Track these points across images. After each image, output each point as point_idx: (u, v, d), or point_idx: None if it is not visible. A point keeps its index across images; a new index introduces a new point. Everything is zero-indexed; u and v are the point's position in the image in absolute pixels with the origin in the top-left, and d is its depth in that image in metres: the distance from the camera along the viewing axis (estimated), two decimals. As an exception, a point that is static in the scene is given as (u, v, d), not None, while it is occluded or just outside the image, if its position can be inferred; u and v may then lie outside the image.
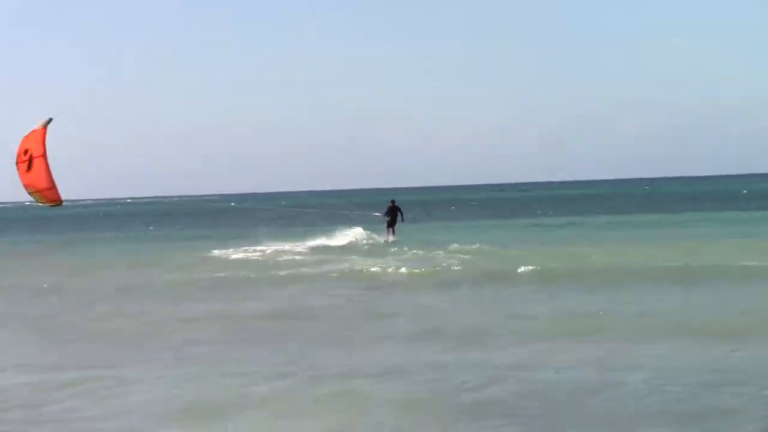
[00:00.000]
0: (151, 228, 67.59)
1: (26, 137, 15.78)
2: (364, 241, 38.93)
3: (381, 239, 38.83)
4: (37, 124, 15.84)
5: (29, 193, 15.98)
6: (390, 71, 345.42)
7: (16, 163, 15.77)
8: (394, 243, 37.42)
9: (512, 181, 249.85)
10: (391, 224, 39.15)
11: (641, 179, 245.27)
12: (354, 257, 32.47)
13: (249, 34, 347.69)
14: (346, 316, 19.88)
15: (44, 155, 15.60)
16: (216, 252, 36.75)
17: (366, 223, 42.07)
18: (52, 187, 15.76)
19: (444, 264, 28.74)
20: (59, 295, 25.19)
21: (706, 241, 34.17)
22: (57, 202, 16.10)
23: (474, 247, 33.15)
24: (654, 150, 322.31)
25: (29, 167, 15.57)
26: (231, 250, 37.04)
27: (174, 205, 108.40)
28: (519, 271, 25.86)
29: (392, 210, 39.14)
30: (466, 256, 30.61)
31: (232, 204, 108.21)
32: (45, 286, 27.19)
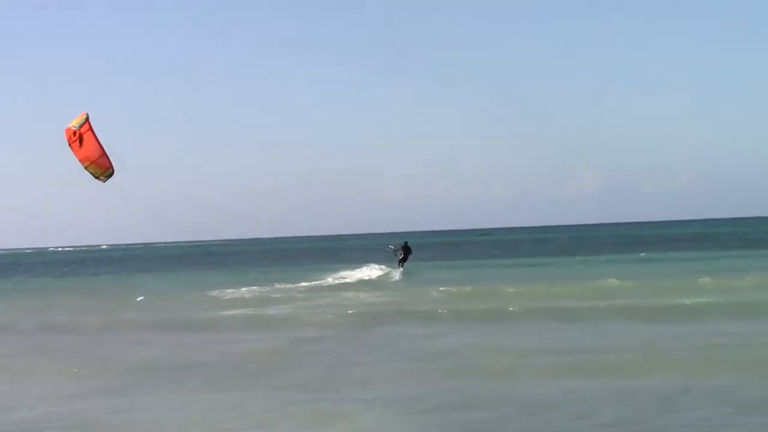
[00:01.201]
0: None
1: (68, 128, 16.79)
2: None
3: (395, 274, 44.29)
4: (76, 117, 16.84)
5: (85, 167, 16.71)
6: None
7: (70, 145, 16.67)
8: (402, 278, 42.62)
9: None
10: (403, 261, 45.60)
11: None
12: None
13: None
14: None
15: (92, 129, 16.57)
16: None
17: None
18: (104, 154, 16.61)
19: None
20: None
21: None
22: (110, 169, 16.73)
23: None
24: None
25: (81, 143, 16.53)
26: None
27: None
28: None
29: (405, 249, 45.64)
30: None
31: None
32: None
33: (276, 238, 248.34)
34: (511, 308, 26.14)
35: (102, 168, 16.71)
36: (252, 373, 17.30)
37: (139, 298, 36.23)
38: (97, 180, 16.85)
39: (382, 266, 46.73)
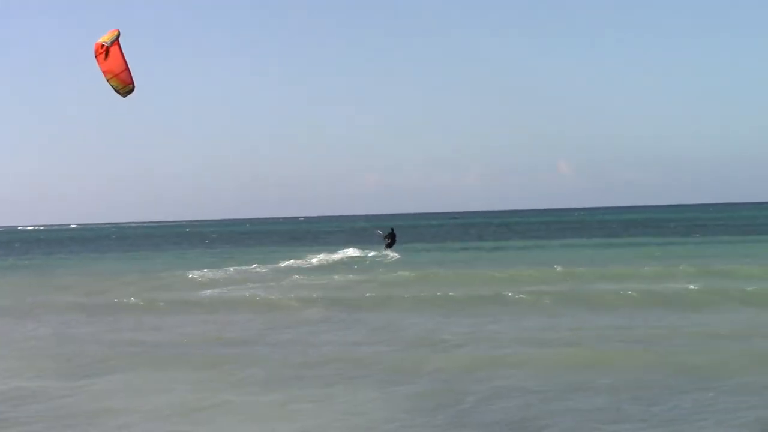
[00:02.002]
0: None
1: (97, 42, 16.88)
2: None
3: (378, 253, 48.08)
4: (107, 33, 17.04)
5: (108, 80, 16.84)
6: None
7: (96, 57, 16.80)
8: (393, 257, 45.66)
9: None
10: (390, 245, 50.51)
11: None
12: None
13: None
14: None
15: (118, 44, 16.72)
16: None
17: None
18: (126, 69, 16.75)
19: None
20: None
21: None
22: (130, 85, 16.91)
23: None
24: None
25: (106, 56, 16.69)
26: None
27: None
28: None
29: (392, 235, 51.33)
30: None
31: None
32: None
33: (251, 219, 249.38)
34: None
35: (123, 83, 16.87)
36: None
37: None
38: (117, 94, 16.98)
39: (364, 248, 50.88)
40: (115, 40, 16.52)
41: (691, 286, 25.91)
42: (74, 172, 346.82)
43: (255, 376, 15.37)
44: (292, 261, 44.08)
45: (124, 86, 16.88)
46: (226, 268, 39.55)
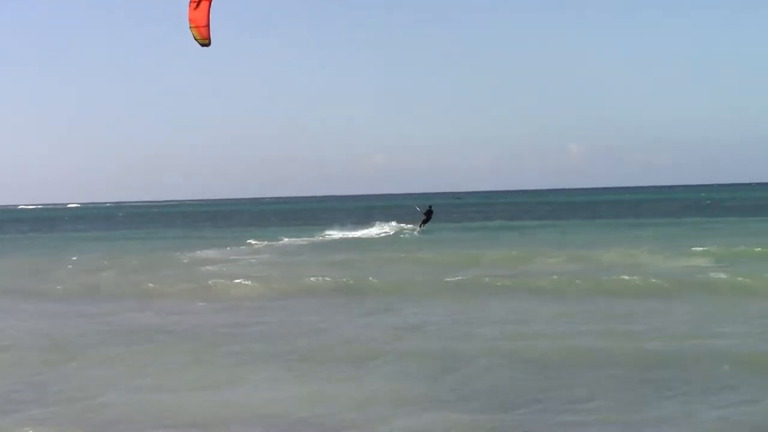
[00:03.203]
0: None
1: None
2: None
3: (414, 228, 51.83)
4: None
5: (190, 27, 18.44)
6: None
7: (189, 3, 18.31)
8: (423, 232, 49.87)
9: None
10: (425, 222, 52.14)
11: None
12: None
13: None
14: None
15: (210, 1, 18.19)
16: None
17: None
18: (207, 25, 18.29)
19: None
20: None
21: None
22: (207, 40, 18.38)
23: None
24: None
25: (197, 6, 18.19)
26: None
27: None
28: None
29: (428, 212, 52.59)
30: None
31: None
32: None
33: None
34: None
35: (201, 36, 18.42)
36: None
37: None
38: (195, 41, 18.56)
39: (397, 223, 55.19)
40: None
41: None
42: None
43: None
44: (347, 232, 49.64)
45: (201, 39, 18.37)
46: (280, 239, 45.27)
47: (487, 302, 20.29)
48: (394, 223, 55.50)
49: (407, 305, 20.25)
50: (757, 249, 28.95)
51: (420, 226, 51.57)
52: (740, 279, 21.78)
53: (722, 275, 22.52)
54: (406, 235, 47.38)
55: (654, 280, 22.31)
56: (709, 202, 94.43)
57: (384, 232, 50.48)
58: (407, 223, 54.08)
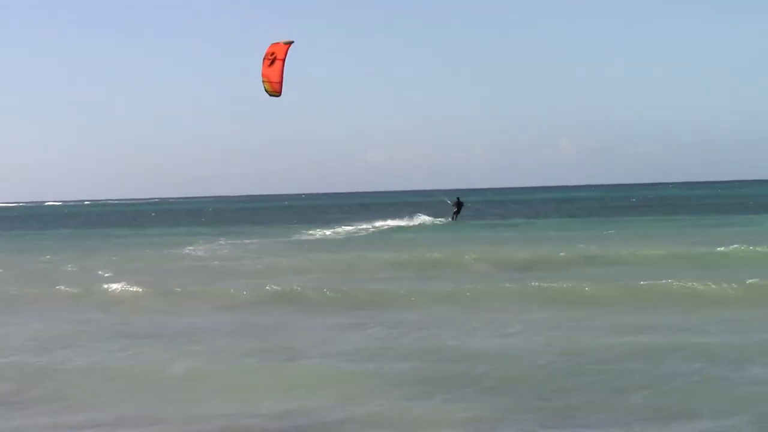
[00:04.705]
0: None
1: (274, 44, 20.93)
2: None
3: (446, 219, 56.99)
4: (282, 40, 20.94)
5: (263, 82, 21.09)
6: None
7: (264, 59, 20.88)
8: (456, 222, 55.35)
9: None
10: (456, 213, 56.52)
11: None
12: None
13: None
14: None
15: (284, 60, 20.34)
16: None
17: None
18: (280, 82, 20.42)
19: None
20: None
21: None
22: (278, 93, 20.54)
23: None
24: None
25: (271, 64, 20.74)
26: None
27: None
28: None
29: (458, 204, 56.60)
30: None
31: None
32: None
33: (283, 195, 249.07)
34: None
35: (273, 90, 20.99)
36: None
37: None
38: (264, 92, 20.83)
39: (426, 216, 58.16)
40: (284, 52, 20.21)
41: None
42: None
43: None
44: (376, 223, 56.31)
45: (273, 92, 20.66)
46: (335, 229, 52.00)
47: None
48: (423, 216, 58.08)
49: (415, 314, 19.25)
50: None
51: (452, 217, 55.96)
52: None
53: None
54: (439, 222, 55.28)
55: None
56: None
57: (415, 224, 55.58)
58: (436, 217, 57.70)
